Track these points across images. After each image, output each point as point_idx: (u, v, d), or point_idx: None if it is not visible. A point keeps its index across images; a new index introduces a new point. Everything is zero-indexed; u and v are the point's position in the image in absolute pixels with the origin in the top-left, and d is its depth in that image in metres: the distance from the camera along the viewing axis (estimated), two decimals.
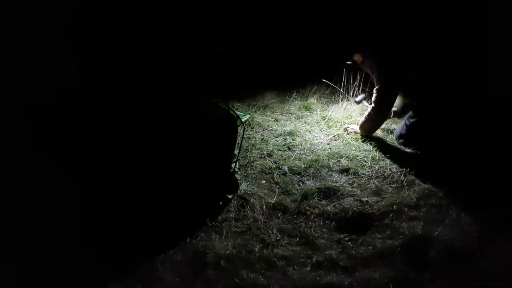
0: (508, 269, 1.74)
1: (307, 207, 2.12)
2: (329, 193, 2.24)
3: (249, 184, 2.25)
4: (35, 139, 2.05)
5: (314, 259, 1.80)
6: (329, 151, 2.64)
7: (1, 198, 1.87)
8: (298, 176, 2.38)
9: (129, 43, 3.67)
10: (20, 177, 1.97)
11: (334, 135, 2.81)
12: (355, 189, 2.28)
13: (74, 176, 1.96)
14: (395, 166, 2.48)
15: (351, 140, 2.77)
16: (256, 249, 1.83)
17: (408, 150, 2.65)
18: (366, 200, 2.18)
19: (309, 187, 2.27)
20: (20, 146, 2.09)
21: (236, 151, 2.10)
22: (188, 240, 1.85)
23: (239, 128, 2.00)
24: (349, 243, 1.90)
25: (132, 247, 1.78)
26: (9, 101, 2.27)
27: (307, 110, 3.15)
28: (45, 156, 1.98)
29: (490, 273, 1.73)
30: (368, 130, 2.76)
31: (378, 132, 2.84)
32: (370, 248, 1.86)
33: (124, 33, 3.65)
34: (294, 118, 3.05)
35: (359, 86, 3.13)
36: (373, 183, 2.33)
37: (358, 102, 2.97)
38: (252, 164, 2.44)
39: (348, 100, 3.16)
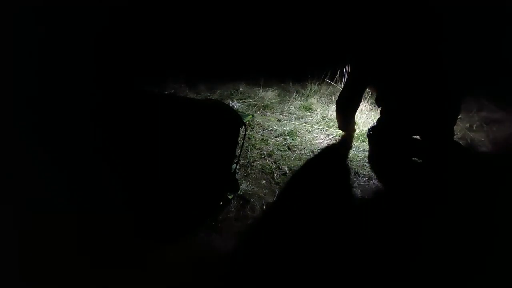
0: None
1: (307, 207, 2.12)
2: (329, 193, 2.24)
3: (249, 184, 2.25)
4: (35, 136, 2.05)
5: (313, 259, 1.80)
6: (329, 151, 2.64)
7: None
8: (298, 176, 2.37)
9: (128, 42, 3.67)
10: (20, 173, 1.97)
11: (334, 135, 2.81)
12: (355, 189, 2.28)
13: (74, 174, 1.96)
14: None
15: (351, 140, 2.76)
16: (256, 250, 1.83)
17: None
18: (366, 200, 2.18)
19: (309, 187, 2.27)
20: (20, 143, 2.10)
21: (236, 152, 2.10)
22: (188, 240, 1.85)
23: (240, 128, 2.00)
24: (349, 243, 1.90)
25: (132, 247, 1.78)
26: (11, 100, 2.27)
27: (307, 110, 3.15)
28: (47, 155, 1.97)
29: None
30: (339, 127, 2.78)
31: None
32: (371, 248, 1.87)
33: (122, 31, 3.65)
34: (294, 118, 3.05)
35: None
36: (373, 183, 2.34)
37: None
38: (252, 164, 2.44)
39: None
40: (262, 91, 3.34)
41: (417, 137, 2.54)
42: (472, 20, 2.43)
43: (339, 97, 2.70)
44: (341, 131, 2.82)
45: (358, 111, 2.83)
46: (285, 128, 2.86)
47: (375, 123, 2.66)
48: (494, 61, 2.75)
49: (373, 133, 2.58)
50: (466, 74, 2.44)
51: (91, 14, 3.55)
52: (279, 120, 2.94)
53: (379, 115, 2.63)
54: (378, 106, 2.61)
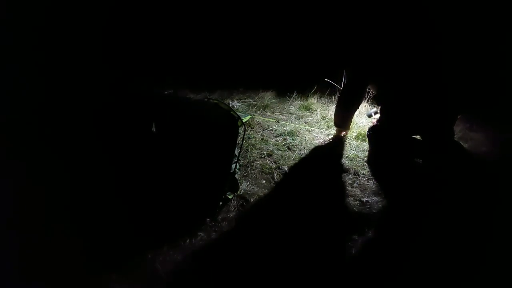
0: None
1: (307, 207, 2.12)
2: (329, 193, 2.24)
3: (249, 184, 2.25)
4: (40, 138, 2.05)
5: (313, 259, 1.80)
6: (329, 151, 2.64)
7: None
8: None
9: (129, 43, 3.67)
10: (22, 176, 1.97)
11: (335, 135, 2.81)
12: (355, 189, 2.28)
13: (76, 175, 1.96)
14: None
15: (351, 140, 2.77)
16: (257, 250, 1.83)
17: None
18: (366, 200, 2.18)
19: (308, 187, 2.27)
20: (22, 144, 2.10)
21: (236, 152, 2.10)
22: (188, 240, 1.85)
23: (240, 128, 2.00)
24: (349, 243, 1.90)
25: (132, 247, 1.78)
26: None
27: (307, 110, 3.15)
28: (51, 156, 1.98)
29: None
30: (335, 123, 2.79)
31: None
32: (370, 248, 1.87)
33: (123, 31, 3.66)
34: (294, 118, 3.05)
35: None
36: (373, 183, 2.34)
37: (369, 116, 2.91)
38: (252, 164, 2.44)
39: None
40: (262, 91, 3.34)
41: (417, 137, 2.54)
42: (471, 19, 2.42)
43: (341, 93, 2.70)
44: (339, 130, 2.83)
45: (358, 111, 2.83)
46: (285, 128, 2.86)
47: (375, 123, 2.67)
48: (494, 61, 2.74)
49: (373, 133, 2.58)
50: (466, 73, 2.43)
51: (92, 15, 3.56)
52: (279, 120, 2.94)
53: (379, 115, 2.63)
54: (378, 105, 2.62)
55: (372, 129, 2.61)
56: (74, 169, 1.97)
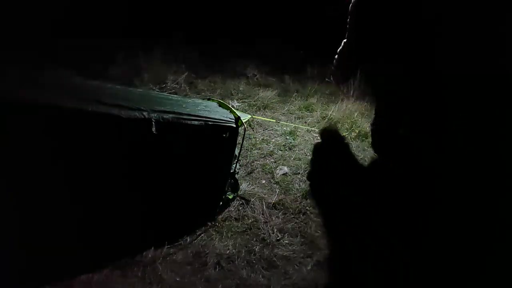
0: None
1: (307, 207, 2.12)
2: (329, 193, 2.24)
3: (250, 184, 2.25)
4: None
5: (314, 258, 1.81)
6: (329, 151, 2.64)
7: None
8: (299, 176, 2.38)
9: (129, 42, 3.67)
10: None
11: (334, 135, 2.81)
12: (354, 189, 2.28)
13: (75, 175, 1.95)
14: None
15: (351, 140, 2.77)
16: (257, 249, 1.83)
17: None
18: (366, 200, 2.18)
19: (309, 187, 2.27)
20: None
21: (236, 151, 2.10)
22: (188, 240, 1.85)
23: (240, 128, 2.00)
24: (349, 243, 1.91)
25: (133, 247, 1.78)
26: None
27: (308, 110, 3.15)
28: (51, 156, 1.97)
29: None
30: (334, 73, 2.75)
31: None
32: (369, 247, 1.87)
33: (123, 31, 3.66)
34: (295, 118, 3.05)
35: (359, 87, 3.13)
36: (372, 183, 2.34)
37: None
38: (253, 164, 2.44)
39: (349, 100, 3.17)
40: (262, 91, 3.34)
41: (416, 136, 2.54)
42: (471, 19, 2.42)
43: (340, 51, 2.57)
44: (339, 128, 2.82)
45: (358, 110, 2.83)
46: (285, 128, 2.86)
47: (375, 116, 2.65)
48: (494, 61, 2.74)
49: (375, 127, 2.57)
50: (462, 71, 2.43)
51: (93, 13, 3.56)
52: (279, 121, 2.94)
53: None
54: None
55: (373, 124, 2.59)
56: (73, 169, 1.97)
